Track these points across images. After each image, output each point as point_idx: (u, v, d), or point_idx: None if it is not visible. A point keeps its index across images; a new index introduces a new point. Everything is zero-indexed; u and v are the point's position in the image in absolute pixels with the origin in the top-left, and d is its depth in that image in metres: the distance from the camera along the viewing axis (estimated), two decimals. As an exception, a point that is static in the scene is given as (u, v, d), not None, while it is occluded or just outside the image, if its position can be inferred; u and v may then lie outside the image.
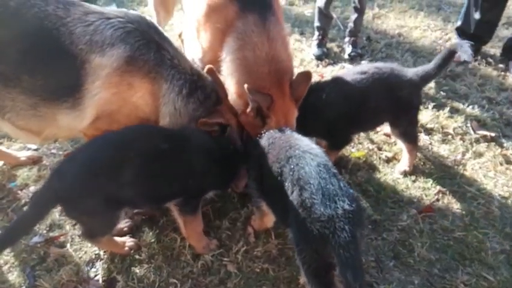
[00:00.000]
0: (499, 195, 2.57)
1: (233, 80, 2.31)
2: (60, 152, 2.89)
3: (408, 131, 2.63)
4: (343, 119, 2.45)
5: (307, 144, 1.85)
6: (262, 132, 2.09)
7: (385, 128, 2.97)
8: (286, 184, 1.73)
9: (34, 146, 2.93)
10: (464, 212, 2.45)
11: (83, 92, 2.09)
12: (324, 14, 3.99)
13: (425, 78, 2.56)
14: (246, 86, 2.09)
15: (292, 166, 1.74)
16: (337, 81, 2.56)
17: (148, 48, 2.08)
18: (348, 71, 2.74)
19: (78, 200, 1.87)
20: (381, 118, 2.62)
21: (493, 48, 4.09)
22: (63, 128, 2.25)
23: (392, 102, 2.48)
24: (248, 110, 2.20)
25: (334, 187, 1.61)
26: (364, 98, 2.43)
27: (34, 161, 2.79)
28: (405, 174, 2.69)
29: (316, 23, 4.07)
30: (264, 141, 2.00)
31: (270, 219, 2.22)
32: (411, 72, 2.55)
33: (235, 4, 2.32)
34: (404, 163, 2.72)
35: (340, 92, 2.45)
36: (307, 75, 2.26)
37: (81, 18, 2.08)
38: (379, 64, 2.64)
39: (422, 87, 2.67)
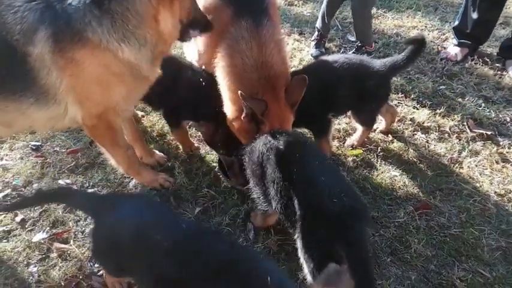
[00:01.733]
0: (495, 192, 2.61)
1: (225, 86, 2.32)
2: (63, 150, 2.93)
3: (368, 118, 2.79)
4: (318, 104, 2.51)
5: (305, 147, 1.89)
6: (256, 137, 2.11)
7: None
8: (291, 188, 1.76)
9: (37, 143, 2.97)
10: (460, 209, 2.49)
11: (43, 86, 2.00)
12: (326, 22, 4.02)
13: (394, 69, 2.65)
14: (240, 92, 2.11)
15: (294, 170, 1.77)
16: (311, 69, 2.68)
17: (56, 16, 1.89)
18: (320, 60, 2.85)
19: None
20: (350, 105, 2.73)
21: (490, 47, 4.12)
22: (40, 121, 2.19)
23: (359, 90, 2.59)
24: (242, 116, 2.21)
25: (339, 185, 1.65)
26: (336, 86, 2.53)
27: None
28: (353, 147, 2.89)
29: (317, 25, 4.10)
30: (261, 147, 2.01)
31: (272, 218, 2.26)
32: (379, 63, 2.66)
33: (230, 8, 2.32)
34: (355, 139, 2.90)
35: (315, 79, 2.44)
36: (302, 80, 2.26)
37: (10, 5, 1.91)
38: (350, 55, 2.75)
39: (390, 78, 2.77)
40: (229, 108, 2.33)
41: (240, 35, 2.26)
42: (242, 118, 2.22)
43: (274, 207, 1.93)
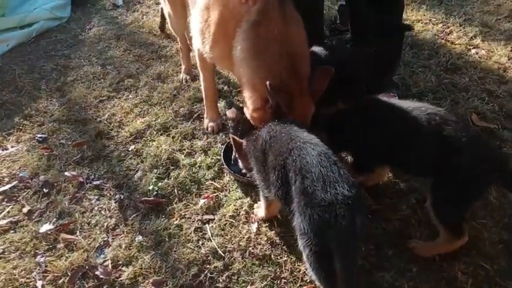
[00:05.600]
0: (498, 186, 2.60)
1: (245, 66, 2.20)
2: (69, 142, 2.96)
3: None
4: None
5: (307, 135, 1.91)
6: (262, 125, 2.12)
7: None
8: (290, 175, 1.80)
9: (44, 136, 3.00)
10: (462, 203, 2.50)
11: None
12: None
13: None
14: (267, 83, 2.03)
15: (294, 157, 1.80)
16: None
17: None
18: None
19: None
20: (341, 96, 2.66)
21: (494, 41, 4.10)
22: None
23: (346, 76, 2.52)
24: (267, 107, 2.16)
25: (335, 174, 1.68)
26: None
27: None
28: None
29: None
30: (265, 135, 2.04)
31: (275, 208, 2.29)
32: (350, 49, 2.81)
33: None
34: None
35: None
36: (327, 71, 2.19)
37: None
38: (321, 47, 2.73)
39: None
40: (251, 97, 2.24)
41: (269, 7, 2.11)
42: (267, 109, 2.17)
43: (274, 194, 1.98)
